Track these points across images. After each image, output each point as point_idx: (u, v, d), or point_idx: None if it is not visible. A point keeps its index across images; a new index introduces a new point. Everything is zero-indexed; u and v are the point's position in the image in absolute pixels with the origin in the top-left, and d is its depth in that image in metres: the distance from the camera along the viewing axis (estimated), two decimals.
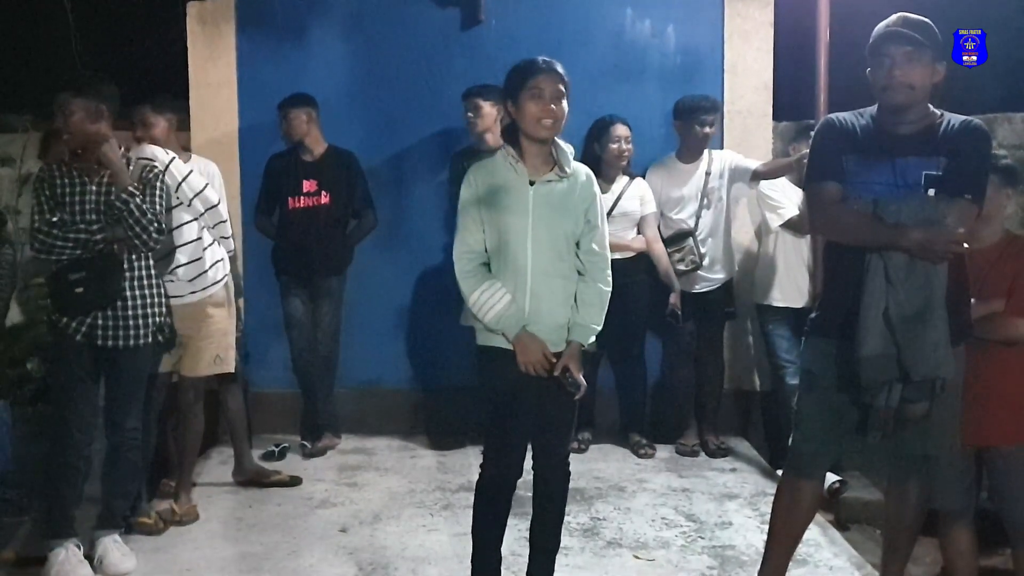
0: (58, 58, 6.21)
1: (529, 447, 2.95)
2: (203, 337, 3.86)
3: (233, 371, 4.11)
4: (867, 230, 2.66)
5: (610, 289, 2.93)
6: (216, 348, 3.91)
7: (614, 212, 4.73)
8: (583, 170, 2.93)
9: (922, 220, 2.59)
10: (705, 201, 4.81)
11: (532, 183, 2.83)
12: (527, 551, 3.06)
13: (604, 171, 4.75)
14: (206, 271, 3.82)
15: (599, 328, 2.92)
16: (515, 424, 2.88)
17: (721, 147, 5.09)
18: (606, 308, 2.93)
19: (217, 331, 3.90)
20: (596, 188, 2.92)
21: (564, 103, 2.81)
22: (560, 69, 2.83)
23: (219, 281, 3.89)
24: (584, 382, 2.88)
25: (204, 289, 3.82)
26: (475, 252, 2.86)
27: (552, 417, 2.91)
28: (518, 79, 2.81)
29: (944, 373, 2.62)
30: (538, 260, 2.82)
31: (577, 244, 2.89)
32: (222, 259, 3.93)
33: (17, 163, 5.31)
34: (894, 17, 2.74)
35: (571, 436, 3.00)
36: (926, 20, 2.72)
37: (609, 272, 2.93)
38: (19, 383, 4.86)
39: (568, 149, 2.88)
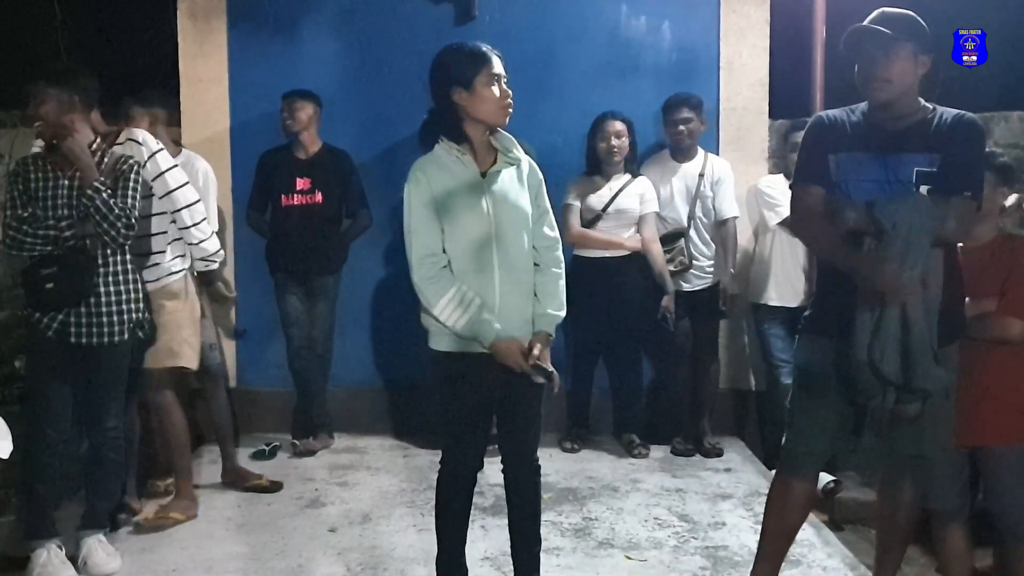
0: (49, 54, 6.16)
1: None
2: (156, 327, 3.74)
3: (182, 364, 3.91)
4: (837, 253, 2.66)
5: (563, 271, 2.90)
6: (170, 341, 3.77)
7: (609, 209, 4.70)
8: (523, 155, 2.89)
9: (919, 221, 2.55)
10: (698, 202, 4.78)
11: (483, 174, 2.77)
12: None
13: (602, 168, 4.72)
14: (163, 263, 3.74)
15: (563, 314, 2.88)
16: (472, 421, 2.85)
17: (716, 145, 5.07)
18: (565, 292, 2.89)
19: (170, 323, 3.76)
20: (539, 171, 2.90)
21: None
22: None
23: (175, 273, 3.78)
24: (554, 370, 2.79)
25: (158, 280, 3.72)
26: (436, 255, 2.73)
27: (517, 414, 2.87)
28: (470, 65, 2.73)
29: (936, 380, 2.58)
30: (504, 255, 2.75)
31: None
32: (183, 254, 3.82)
33: (6, 158, 5.26)
34: (875, 13, 2.71)
35: (538, 433, 2.92)
36: (908, 13, 2.68)
37: (560, 253, 2.90)
38: (6, 382, 4.81)
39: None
